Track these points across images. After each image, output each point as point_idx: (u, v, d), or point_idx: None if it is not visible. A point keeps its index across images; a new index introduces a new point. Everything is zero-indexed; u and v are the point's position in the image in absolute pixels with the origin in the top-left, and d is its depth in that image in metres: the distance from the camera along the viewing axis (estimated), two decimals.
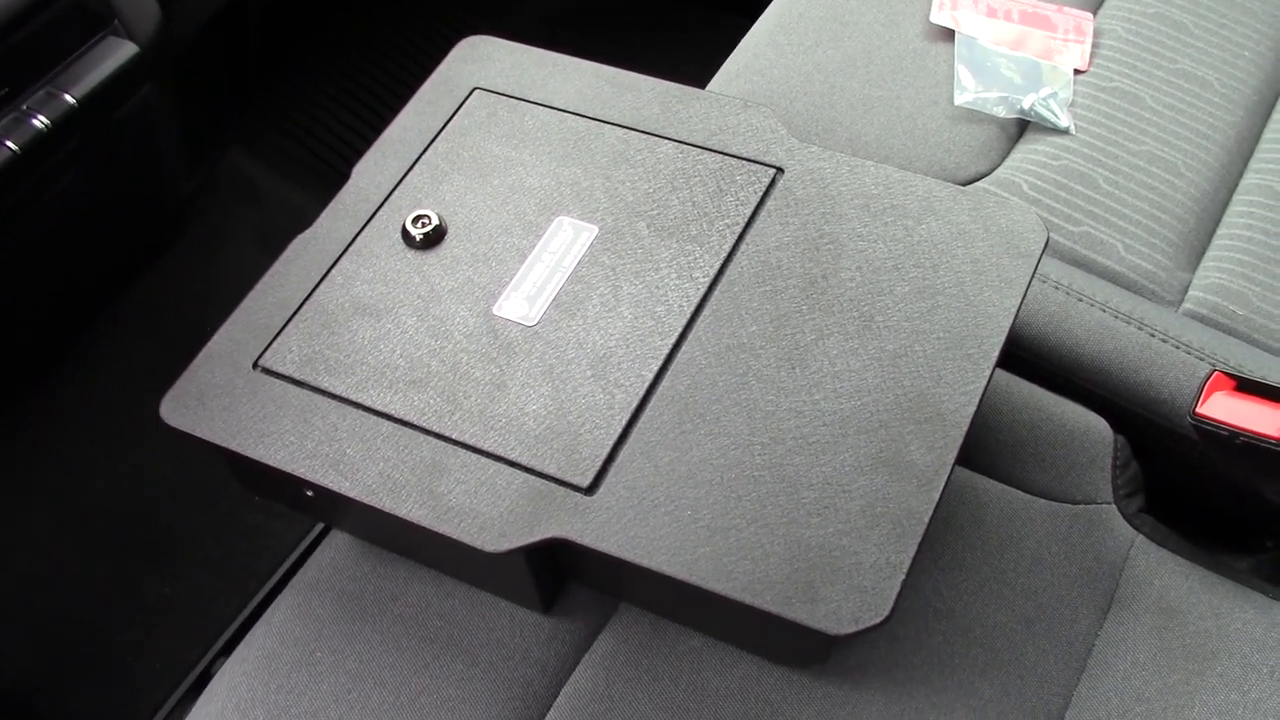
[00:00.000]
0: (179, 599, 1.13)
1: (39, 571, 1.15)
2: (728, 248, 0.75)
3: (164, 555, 1.15)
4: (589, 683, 0.73)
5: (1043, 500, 0.80)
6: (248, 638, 0.77)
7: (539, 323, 0.73)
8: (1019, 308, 0.71)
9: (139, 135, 1.09)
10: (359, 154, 0.83)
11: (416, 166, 0.82)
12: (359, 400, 0.71)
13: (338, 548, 0.80)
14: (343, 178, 0.81)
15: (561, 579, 0.76)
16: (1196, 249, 0.94)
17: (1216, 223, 0.96)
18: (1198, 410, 0.75)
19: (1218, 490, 0.85)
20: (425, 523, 0.66)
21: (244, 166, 1.38)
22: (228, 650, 1.07)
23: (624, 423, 0.68)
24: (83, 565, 1.15)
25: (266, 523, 1.16)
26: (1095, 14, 1.07)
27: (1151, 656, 0.74)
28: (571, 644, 0.75)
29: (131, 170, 1.13)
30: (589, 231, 0.77)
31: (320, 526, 1.13)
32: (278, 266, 0.78)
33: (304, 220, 0.80)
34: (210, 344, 0.74)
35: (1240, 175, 0.99)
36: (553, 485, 0.66)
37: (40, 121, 0.92)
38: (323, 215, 0.80)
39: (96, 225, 1.14)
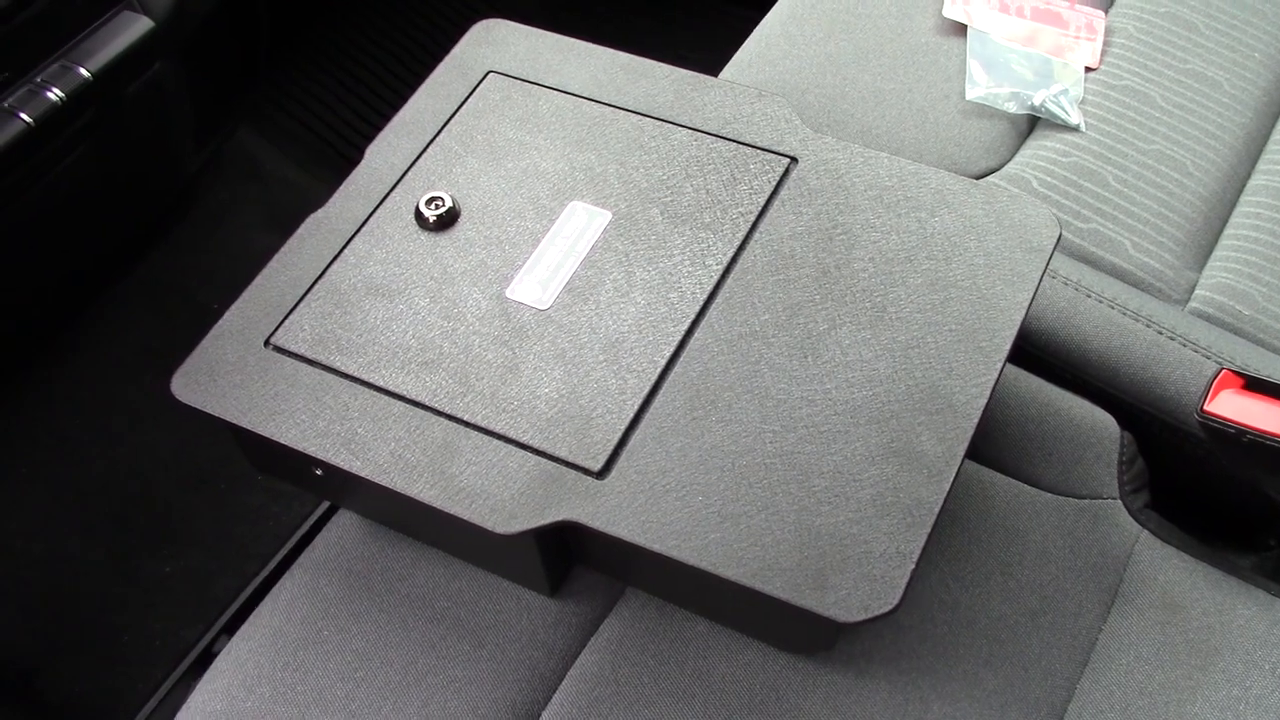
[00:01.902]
0: (177, 578, 1.13)
1: (37, 550, 1.15)
2: (741, 236, 0.75)
3: (163, 535, 1.15)
4: (595, 666, 0.74)
5: (1049, 494, 0.80)
6: (254, 615, 0.77)
7: (552, 306, 0.73)
8: (1030, 302, 0.71)
9: (150, 111, 1.08)
10: (366, 136, 0.83)
11: (430, 148, 0.82)
12: (371, 380, 0.71)
13: (345, 527, 0.80)
14: (354, 159, 0.81)
15: (569, 562, 0.76)
16: (1204, 248, 0.95)
17: (1224, 223, 0.96)
18: (1205, 408, 0.75)
19: (1223, 488, 0.86)
20: (436, 503, 0.66)
21: (250, 146, 1.38)
22: (228, 630, 1.07)
23: (636, 408, 0.68)
24: (81, 544, 1.15)
25: (265, 503, 1.16)
26: (1107, 12, 1.07)
27: (1154, 651, 0.74)
28: (578, 627, 0.75)
29: (141, 146, 1.13)
30: (602, 217, 0.77)
31: (323, 507, 1.13)
32: (290, 245, 0.77)
33: (309, 201, 0.80)
34: (222, 321, 0.74)
35: (1248, 176, 0.99)
36: (564, 469, 0.67)
37: (54, 94, 0.92)
38: (335, 195, 0.80)
39: (104, 201, 1.14)
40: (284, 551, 1.11)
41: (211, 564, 1.14)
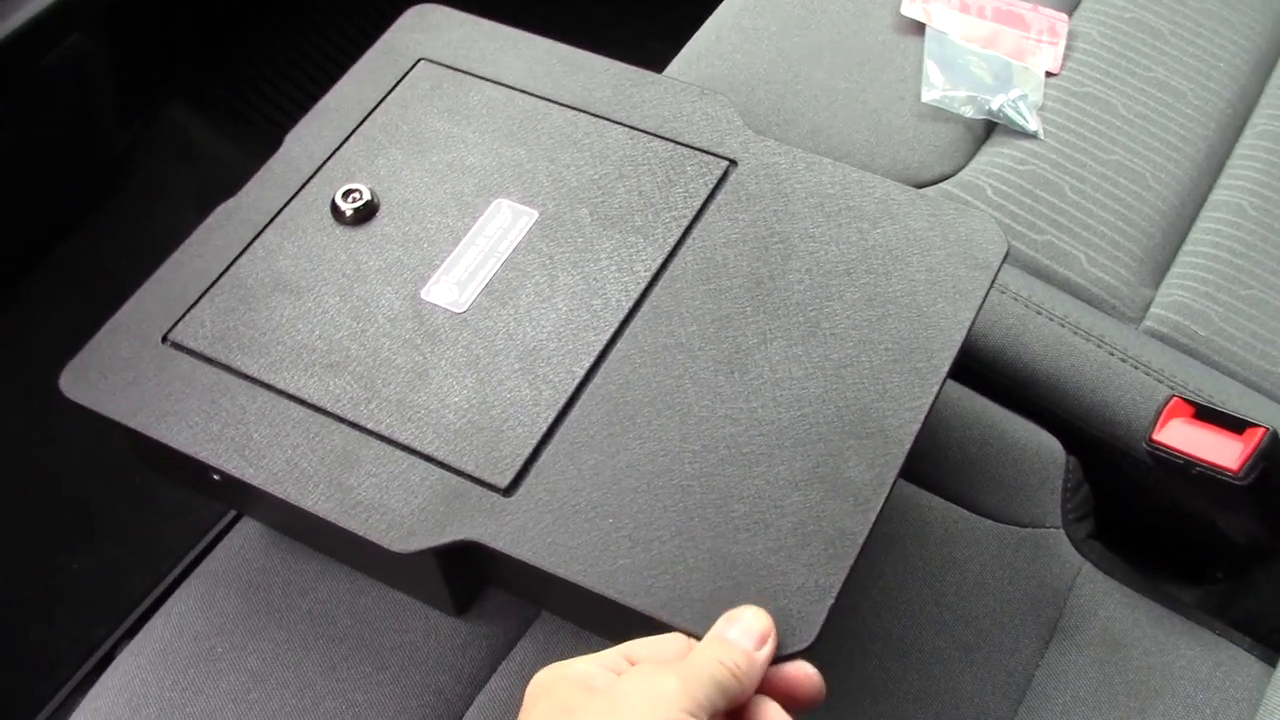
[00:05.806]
0: (89, 574, 1.08)
1: None
2: (672, 241, 0.71)
3: (75, 528, 1.11)
4: (505, 692, 0.70)
5: (989, 521, 0.76)
6: (145, 629, 0.73)
7: (468, 310, 0.69)
8: (973, 321, 0.67)
9: (68, 85, 1.03)
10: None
11: (352, 138, 0.77)
12: (271, 382, 0.67)
13: (247, 536, 0.75)
14: (275, 145, 0.77)
15: (479, 581, 0.72)
16: (1161, 265, 0.91)
17: (1182, 239, 0.93)
18: (1154, 437, 0.71)
19: (1170, 518, 0.82)
20: (331, 516, 0.62)
21: (184, 122, 1.32)
22: (133, 632, 1.03)
23: (549, 421, 0.64)
24: None
25: (183, 498, 1.11)
26: (1070, 15, 1.03)
27: (1092, 691, 0.71)
28: (488, 650, 0.71)
29: (60, 122, 1.08)
30: (528, 216, 0.73)
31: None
32: (197, 235, 0.74)
33: (243, 182, 0.76)
34: (118, 314, 0.70)
35: (1209, 190, 0.96)
36: (469, 484, 0.63)
37: None
38: (249, 184, 0.76)
39: (21, 178, 1.09)
40: (197, 550, 1.06)
41: (127, 560, 1.09)
